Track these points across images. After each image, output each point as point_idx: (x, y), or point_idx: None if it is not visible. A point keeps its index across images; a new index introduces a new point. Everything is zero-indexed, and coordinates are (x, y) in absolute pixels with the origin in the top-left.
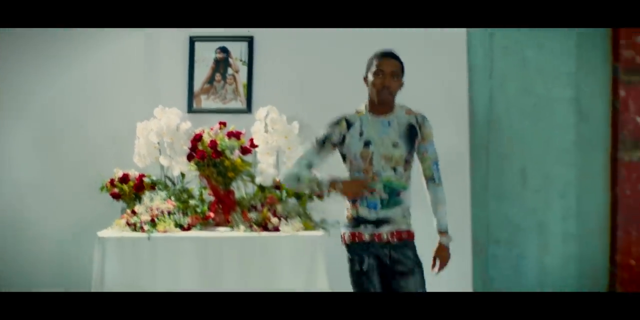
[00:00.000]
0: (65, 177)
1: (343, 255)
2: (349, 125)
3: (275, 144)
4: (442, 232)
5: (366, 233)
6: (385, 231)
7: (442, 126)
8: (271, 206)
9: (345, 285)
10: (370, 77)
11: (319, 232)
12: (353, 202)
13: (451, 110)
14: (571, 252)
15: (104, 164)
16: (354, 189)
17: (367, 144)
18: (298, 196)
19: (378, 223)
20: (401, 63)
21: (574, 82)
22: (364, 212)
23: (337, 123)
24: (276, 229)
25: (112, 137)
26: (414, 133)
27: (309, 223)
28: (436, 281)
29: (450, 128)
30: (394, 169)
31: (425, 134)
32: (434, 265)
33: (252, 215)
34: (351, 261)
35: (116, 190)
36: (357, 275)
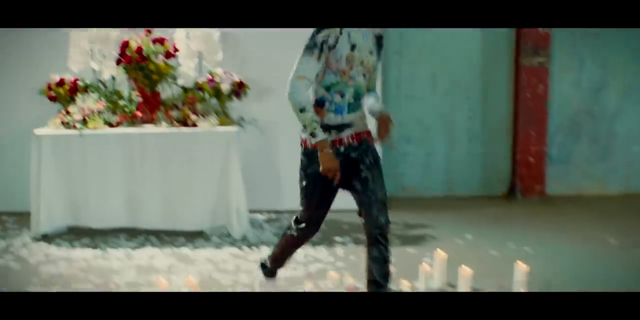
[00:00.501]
0: (6, 83)
1: (257, 149)
2: (340, 30)
3: (195, 49)
4: (382, 110)
5: (329, 140)
6: (345, 135)
7: None
8: (192, 105)
9: (257, 177)
10: None
11: (233, 128)
12: (319, 106)
13: None
14: (476, 150)
15: (42, 70)
16: (330, 164)
17: (352, 47)
18: (218, 95)
19: (340, 127)
20: None
21: None
22: (330, 117)
23: (329, 33)
24: (194, 125)
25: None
26: (380, 44)
27: (226, 120)
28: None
29: None
30: (364, 76)
31: (383, 46)
32: (381, 132)
33: (174, 113)
34: (309, 165)
35: (53, 93)
36: (310, 177)
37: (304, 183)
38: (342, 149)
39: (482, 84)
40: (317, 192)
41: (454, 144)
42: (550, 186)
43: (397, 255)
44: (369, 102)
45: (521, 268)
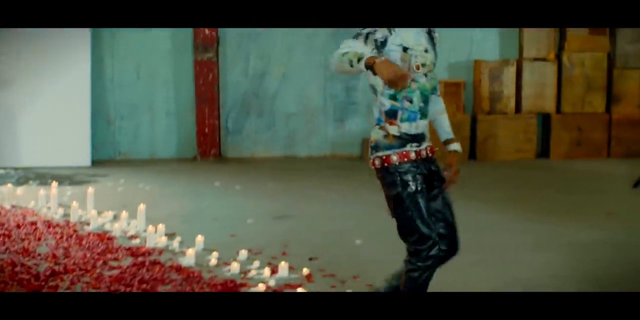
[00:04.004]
0: None
1: None
2: (389, 30)
3: None
4: (452, 139)
5: (412, 151)
6: (423, 147)
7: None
8: None
9: None
10: None
11: None
12: (392, 118)
13: None
14: (172, 124)
15: None
16: (393, 70)
17: (405, 49)
18: None
19: (418, 138)
20: None
21: None
22: (405, 126)
23: (376, 28)
24: None
25: None
26: (432, 39)
27: None
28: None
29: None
30: (425, 75)
31: (437, 41)
32: (452, 172)
33: None
34: (402, 183)
35: None
36: (411, 196)
37: (403, 207)
38: (421, 163)
39: (174, 74)
40: (422, 208)
41: (154, 118)
42: (228, 151)
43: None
44: (435, 113)
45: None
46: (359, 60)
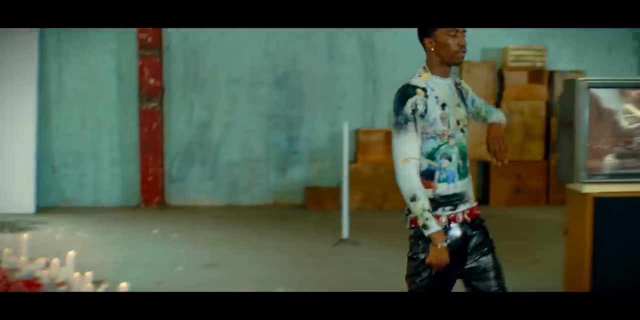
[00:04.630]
0: None
1: None
2: (425, 91)
3: None
4: (495, 118)
5: (444, 216)
6: (460, 211)
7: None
8: None
9: None
10: (442, 38)
11: None
12: (429, 179)
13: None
14: (116, 172)
15: None
16: (440, 260)
17: (443, 106)
18: None
19: (454, 200)
20: None
21: (116, 57)
22: (442, 189)
23: (414, 93)
24: None
25: None
26: (462, 92)
27: None
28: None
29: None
30: (462, 131)
31: (467, 89)
32: (494, 148)
33: None
34: (422, 248)
35: None
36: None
37: (417, 271)
38: (456, 228)
39: (119, 123)
40: (438, 279)
41: (99, 166)
42: (171, 199)
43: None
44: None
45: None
46: (424, 225)
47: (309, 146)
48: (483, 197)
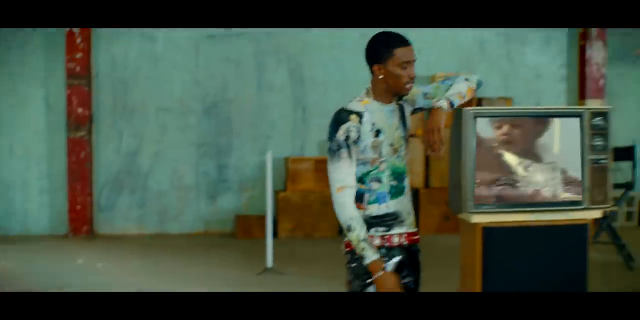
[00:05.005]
0: None
1: None
2: (360, 117)
3: None
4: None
5: (377, 237)
6: (396, 233)
7: None
8: None
9: None
10: (393, 69)
11: None
12: (359, 201)
13: None
14: (44, 200)
15: None
16: (388, 286)
17: (377, 133)
18: None
19: (387, 220)
20: None
21: (45, 85)
22: (373, 209)
23: (348, 119)
24: None
25: None
26: (404, 113)
27: None
28: None
29: None
30: (397, 153)
31: (413, 96)
32: (429, 140)
33: None
34: (355, 272)
35: None
36: (362, 288)
37: (351, 278)
38: (391, 250)
39: (47, 151)
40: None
41: (27, 195)
42: (100, 228)
43: None
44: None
45: None
46: (361, 256)
47: (238, 174)
48: None
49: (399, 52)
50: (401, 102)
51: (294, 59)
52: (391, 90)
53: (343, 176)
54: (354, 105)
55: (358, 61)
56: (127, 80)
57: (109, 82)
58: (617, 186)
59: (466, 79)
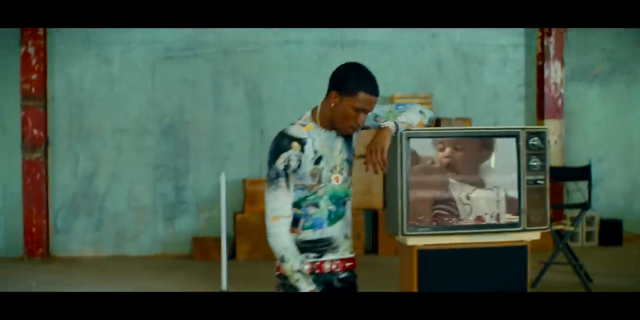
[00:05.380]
0: None
1: None
2: (302, 145)
3: None
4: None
5: (307, 262)
6: (328, 260)
7: None
8: None
9: None
10: (347, 107)
11: None
12: (294, 226)
13: None
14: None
15: None
16: None
17: (318, 160)
18: None
19: (320, 246)
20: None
21: None
22: (307, 234)
23: (289, 147)
24: None
25: None
26: (350, 135)
27: None
28: None
29: None
30: (338, 178)
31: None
32: (370, 157)
33: None
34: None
35: None
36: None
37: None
38: (321, 277)
39: (1, 173)
40: None
41: None
42: (56, 250)
43: None
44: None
45: None
46: (295, 287)
47: (196, 196)
48: (372, 247)
49: (363, 96)
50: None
51: (250, 80)
52: (333, 122)
53: (279, 206)
54: (297, 131)
55: (315, 82)
56: (83, 101)
57: (65, 104)
58: (573, 206)
59: (421, 111)
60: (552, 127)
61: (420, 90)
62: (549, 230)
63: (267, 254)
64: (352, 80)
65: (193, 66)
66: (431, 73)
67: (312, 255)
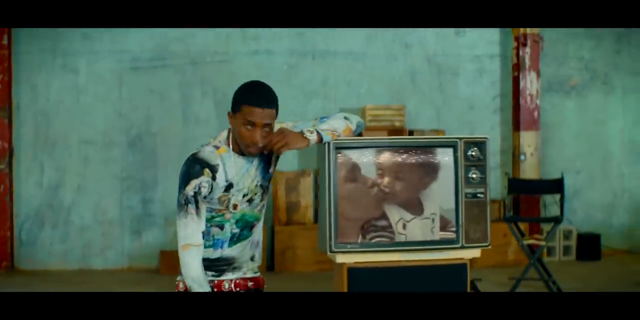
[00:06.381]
0: None
1: None
2: (213, 171)
3: None
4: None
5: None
6: (227, 279)
7: None
8: None
9: None
10: (238, 124)
11: None
12: None
13: None
14: None
15: None
16: None
17: (228, 187)
18: None
19: (220, 266)
20: (276, 106)
21: None
22: (207, 252)
23: (200, 173)
24: None
25: None
26: (269, 159)
27: None
28: None
29: None
30: (250, 201)
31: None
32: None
33: None
34: None
35: None
36: None
37: None
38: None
39: None
40: None
41: None
42: (21, 263)
43: None
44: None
45: None
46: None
47: (164, 209)
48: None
49: (246, 109)
50: (269, 160)
51: (220, 90)
52: (240, 145)
53: (189, 233)
54: (209, 156)
55: (286, 93)
56: (48, 112)
57: (30, 114)
58: (545, 220)
59: (346, 118)
60: (528, 138)
61: (393, 101)
62: (489, 247)
63: None
64: (237, 97)
65: (161, 77)
66: (404, 84)
67: (210, 273)
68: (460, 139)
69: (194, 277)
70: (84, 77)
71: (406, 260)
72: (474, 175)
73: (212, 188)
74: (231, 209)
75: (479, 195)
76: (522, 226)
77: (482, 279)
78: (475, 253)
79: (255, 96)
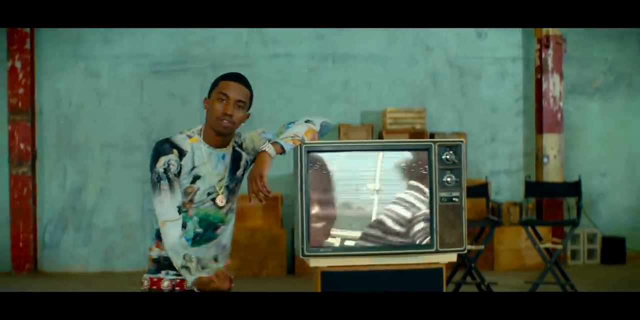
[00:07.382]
0: None
1: None
2: (181, 154)
3: None
4: (273, 140)
5: (166, 280)
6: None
7: None
8: None
9: None
10: (212, 101)
11: None
12: (159, 239)
13: None
14: None
15: None
16: (209, 288)
17: (195, 179)
18: None
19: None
20: (251, 91)
21: None
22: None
23: (169, 151)
24: None
25: None
26: (240, 160)
27: None
28: None
29: None
30: (214, 201)
31: (249, 143)
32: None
33: None
34: None
35: None
36: None
37: None
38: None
39: None
40: None
41: None
42: (44, 265)
43: None
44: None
45: None
46: (185, 273)
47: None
48: None
49: (222, 84)
50: (239, 149)
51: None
52: (210, 127)
53: (165, 210)
54: (181, 141)
55: (307, 97)
56: (71, 116)
57: (52, 118)
58: (561, 224)
59: (307, 121)
60: (551, 141)
61: (414, 104)
62: (464, 252)
63: (255, 271)
64: (214, 82)
65: (181, 80)
66: (425, 87)
67: (172, 272)
68: (435, 142)
69: (169, 247)
70: (106, 81)
71: (381, 264)
72: (448, 179)
73: (180, 168)
74: (196, 204)
75: (454, 199)
76: (545, 230)
77: (501, 283)
78: (451, 257)
79: (232, 74)
